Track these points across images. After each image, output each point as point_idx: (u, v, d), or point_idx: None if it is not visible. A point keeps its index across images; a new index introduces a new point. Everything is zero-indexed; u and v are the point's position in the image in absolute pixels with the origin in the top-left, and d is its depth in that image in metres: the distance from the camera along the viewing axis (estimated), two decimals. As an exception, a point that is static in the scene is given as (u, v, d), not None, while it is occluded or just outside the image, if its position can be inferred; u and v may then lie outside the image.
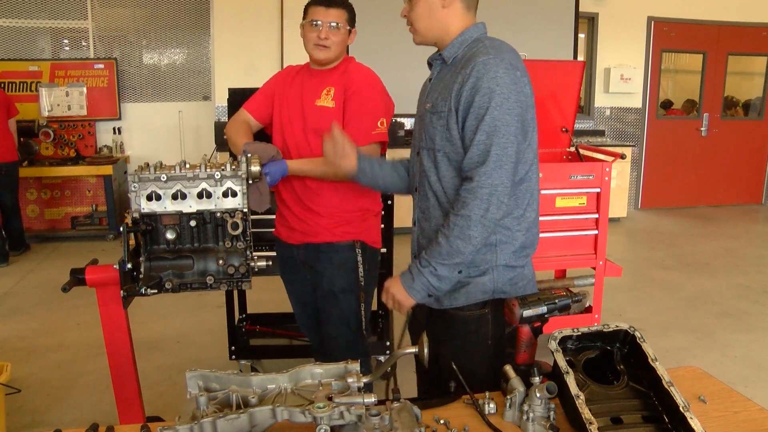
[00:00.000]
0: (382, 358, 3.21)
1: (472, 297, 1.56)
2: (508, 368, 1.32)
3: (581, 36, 7.25)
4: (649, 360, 1.25)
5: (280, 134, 2.22)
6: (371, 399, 1.16)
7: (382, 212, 2.74)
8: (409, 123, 6.79)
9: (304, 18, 2.14)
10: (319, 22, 2.08)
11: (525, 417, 1.23)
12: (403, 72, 6.45)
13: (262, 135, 2.28)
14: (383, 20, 6.50)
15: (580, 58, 7.16)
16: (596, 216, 3.31)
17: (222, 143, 5.84)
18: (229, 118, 3.26)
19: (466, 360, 1.47)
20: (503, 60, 1.46)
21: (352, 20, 2.17)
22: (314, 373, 1.26)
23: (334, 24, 2.08)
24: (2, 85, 5.97)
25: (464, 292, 1.57)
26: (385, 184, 1.85)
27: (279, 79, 2.28)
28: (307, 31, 2.11)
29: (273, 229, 2.41)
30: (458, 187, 1.52)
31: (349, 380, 1.22)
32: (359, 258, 2.22)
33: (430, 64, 1.69)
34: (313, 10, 2.10)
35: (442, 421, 1.27)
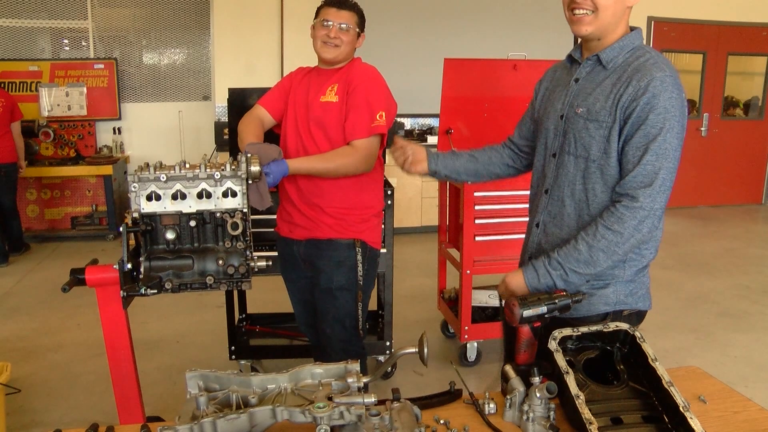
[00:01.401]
0: (382, 358, 3.21)
1: (594, 309, 1.54)
2: (508, 368, 1.32)
3: (581, 36, 7.24)
4: (649, 360, 1.25)
5: (285, 131, 2.26)
6: (371, 399, 1.16)
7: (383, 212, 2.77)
8: (409, 123, 6.80)
9: (315, 19, 2.20)
10: (330, 22, 2.14)
11: (525, 417, 1.23)
12: (406, 72, 6.46)
13: (270, 135, 2.29)
14: (387, 20, 6.51)
15: (580, 58, 7.16)
16: (596, 216, 3.31)
17: (222, 143, 5.84)
18: (229, 118, 3.27)
19: None
20: (677, 81, 1.43)
21: (361, 24, 2.22)
22: (314, 373, 1.26)
23: (344, 25, 2.14)
24: (2, 85, 5.97)
25: (586, 304, 1.53)
26: (464, 174, 1.87)
27: (293, 78, 2.31)
28: (318, 30, 2.16)
29: (272, 229, 2.42)
30: (605, 200, 1.49)
31: (349, 380, 1.22)
32: (358, 257, 2.23)
33: (571, 59, 1.63)
34: (324, 10, 2.17)
35: (442, 421, 1.27)
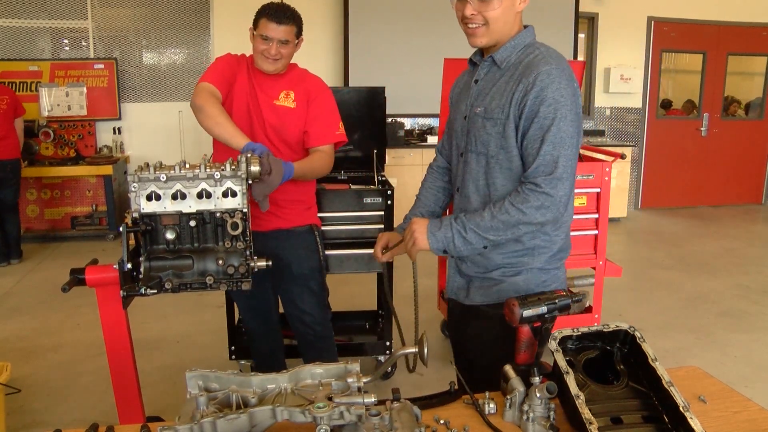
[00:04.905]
0: (382, 358, 3.21)
1: (504, 295, 1.57)
2: (508, 368, 1.32)
3: (581, 36, 7.25)
4: (649, 360, 1.25)
5: (243, 127, 2.22)
6: (371, 399, 1.16)
7: (382, 211, 2.87)
8: (409, 123, 6.80)
9: (254, 26, 2.21)
10: (270, 39, 2.16)
11: (525, 417, 1.23)
12: (406, 72, 6.46)
13: None
14: (387, 20, 6.51)
15: (580, 58, 7.17)
16: (596, 216, 3.31)
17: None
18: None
19: (492, 357, 1.47)
20: (564, 71, 1.48)
21: (300, 31, 2.26)
22: (314, 373, 1.26)
23: (284, 40, 2.17)
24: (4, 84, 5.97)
25: (497, 290, 1.61)
26: (441, 207, 1.89)
27: (232, 66, 2.27)
28: (257, 42, 2.20)
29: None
30: (506, 193, 1.54)
31: (349, 380, 1.22)
32: (318, 240, 2.46)
33: (472, 63, 1.69)
34: (264, 24, 2.17)
35: (442, 421, 1.27)
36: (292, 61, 2.32)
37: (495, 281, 1.62)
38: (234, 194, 1.63)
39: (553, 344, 1.28)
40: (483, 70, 1.63)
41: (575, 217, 3.29)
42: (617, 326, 1.33)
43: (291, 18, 2.18)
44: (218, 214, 1.63)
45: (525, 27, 1.60)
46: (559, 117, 1.45)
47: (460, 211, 1.67)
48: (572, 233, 3.41)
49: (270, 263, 1.69)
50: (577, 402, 1.16)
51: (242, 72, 2.28)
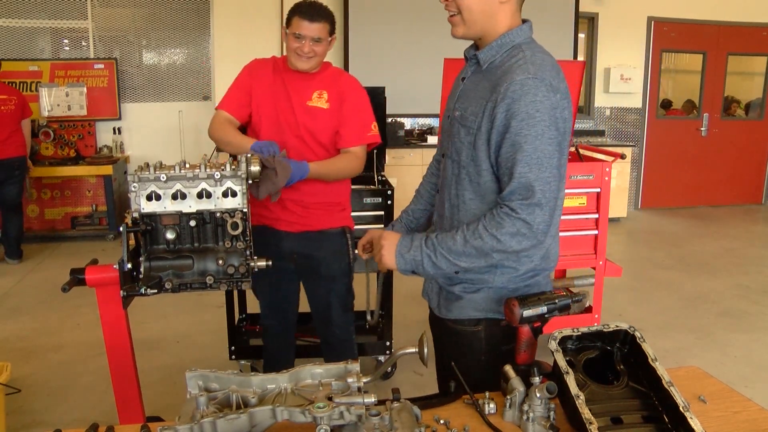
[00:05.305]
0: (382, 358, 3.21)
1: (465, 312, 1.51)
2: (508, 368, 1.32)
3: (581, 36, 7.25)
4: (649, 360, 1.25)
5: (263, 132, 2.26)
6: (371, 399, 1.16)
7: (382, 212, 2.82)
8: (409, 123, 6.80)
9: (287, 25, 2.19)
10: (302, 36, 2.14)
11: (525, 417, 1.23)
12: (406, 72, 6.46)
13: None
14: (387, 20, 6.51)
15: (580, 58, 7.17)
16: (596, 216, 3.31)
17: (222, 143, 5.83)
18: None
19: (459, 370, 1.41)
20: (543, 81, 1.31)
21: (333, 29, 2.24)
22: (314, 373, 1.26)
23: (317, 38, 2.15)
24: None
25: (458, 306, 1.52)
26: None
27: (253, 75, 2.29)
28: (291, 41, 2.18)
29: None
30: (473, 208, 1.44)
31: (349, 380, 1.22)
32: (349, 242, 2.42)
33: (466, 58, 1.54)
34: (297, 22, 2.15)
35: (442, 421, 1.27)
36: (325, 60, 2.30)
37: (456, 296, 1.52)
38: (234, 194, 1.63)
39: (553, 344, 1.28)
40: (471, 68, 1.50)
41: (575, 217, 3.32)
42: (617, 326, 1.33)
43: (323, 15, 2.16)
44: (218, 214, 1.63)
45: (524, 22, 1.45)
46: (534, 134, 1.29)
47: (436, 213, 1.60)
48: (572, 233, 3.45)
49: (270, 263, 1.68)
50: (577, 402, 1.16)
51: (267, 74, 2.27)
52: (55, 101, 6.20)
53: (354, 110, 2.26)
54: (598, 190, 3.28)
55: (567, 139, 1.38)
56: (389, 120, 6.05)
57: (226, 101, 2.27)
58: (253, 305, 3.50)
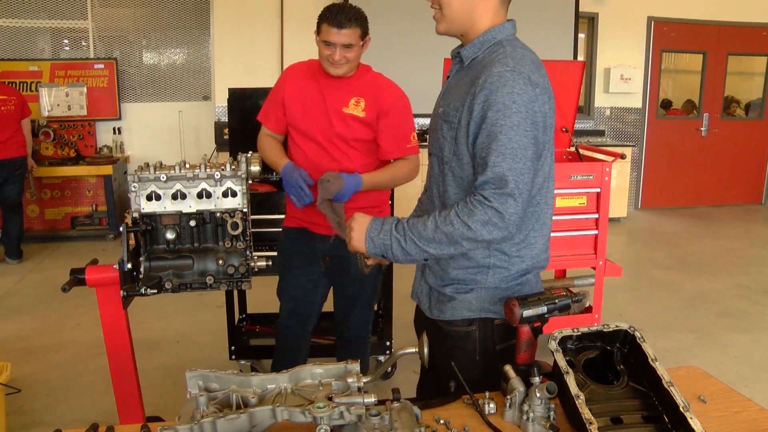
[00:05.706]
0: (382, 358, 3.21)
1: (457, 313, 1.50)
2: (508, 368, 1.32)
3: (581, 36, 7.24)
4: (649, 360, 1.25)
5: (303, 140, 2.26)
6: (371, 399, 1.16)
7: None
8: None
9: (317, 31, 2.16)
10: (332, 44, 2.10)
11: (525, 417, 1.23)
12: (406, 72, 6.44)
13: None
14: (390, 18, 6.50)
15: (580, 58, 7.16)
16: (596, 216, 3.31)
17: (222, 143, 5.83)
18: (229, 119, 3.27)
19: (448, 375, 1.41)
20: (521, 74, 1.32)
21: (365, 32, 2.19)
22: (314, 373, 1.26)
23: (347, 44, 2.11)
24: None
25: (450, 307, 1.51)
26: None
27: (288, 83, 2.29)
28: (322, 48, 2.15)
29: (272, 229, 2.43)
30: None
31: (349, 380, 1.22)
32: None
33: (453, 58, 1.55)
34: (326, 29, 2.11)
35: (442, 421, 1.27)
36: (364, 63, 2.29)
37: (448, 297, 1.51)
38: (234, 194, 1.63)
39: (553, 344, 1.28)
40: (455, 67, 1.52)
41: (575, 217, 3.32)
42: (617, 326, 1.33)
43: (353, 20, 2.10)
44: (218, 214, 1.63)
45: (509, 21, 1.47)
46: (509, 125, 1.30)
47: (425, 211, 1.58)
48: (572, 233, 3.45)
49: (270, 263, 1.69)
50: (577, 402, 1.16)
51: (299, 80, 2.26)
52: (55, 101, 6.20)
53: (393, 123, 2.24)
54: (598, 190, 3.28)
55: (547, 134, 1.39)
56: (389, 120, 6.04)
57: (263, 115, 2.34)
58: (253, 305, 3.51)
